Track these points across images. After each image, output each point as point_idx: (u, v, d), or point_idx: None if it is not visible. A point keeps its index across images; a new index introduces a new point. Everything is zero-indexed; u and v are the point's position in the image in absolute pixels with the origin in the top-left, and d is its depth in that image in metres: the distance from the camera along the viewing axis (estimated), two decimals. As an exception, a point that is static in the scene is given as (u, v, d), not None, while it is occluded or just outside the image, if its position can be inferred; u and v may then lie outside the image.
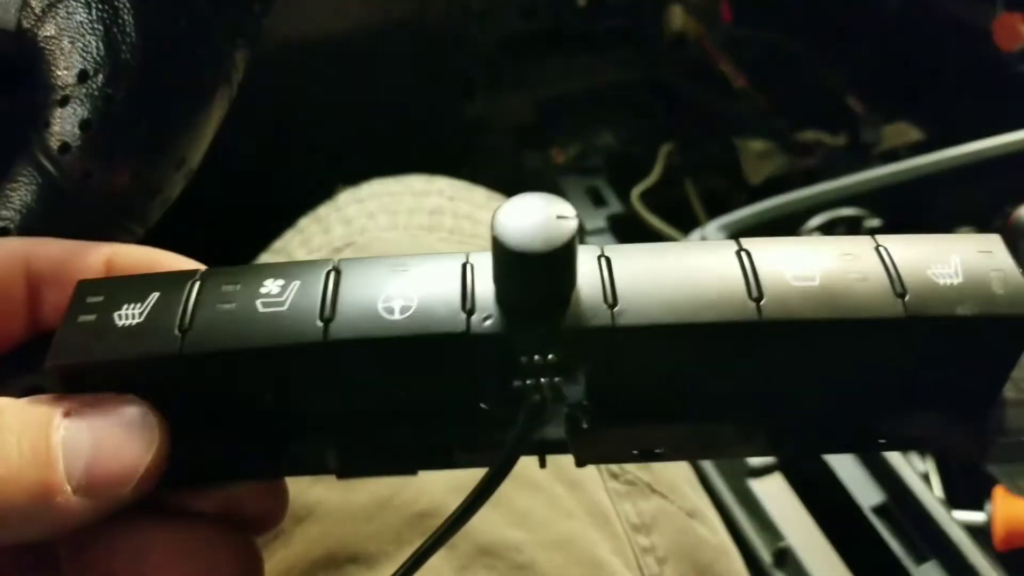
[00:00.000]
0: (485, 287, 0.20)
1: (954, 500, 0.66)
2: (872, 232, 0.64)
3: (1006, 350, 0.20)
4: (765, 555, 0.47)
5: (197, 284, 0.20)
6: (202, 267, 0.21)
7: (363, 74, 0.78)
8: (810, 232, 0.62)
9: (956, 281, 0.19)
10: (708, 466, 0.50)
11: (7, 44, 0.27)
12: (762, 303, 0.19)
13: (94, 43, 0.26)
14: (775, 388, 0.21)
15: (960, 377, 0.20)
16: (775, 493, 0.49)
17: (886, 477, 0.46)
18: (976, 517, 0.61)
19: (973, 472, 0.69)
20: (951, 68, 1.02)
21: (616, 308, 0.19)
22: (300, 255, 0.41)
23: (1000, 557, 0.53)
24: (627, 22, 1.00)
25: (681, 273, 0.19)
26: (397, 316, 0.19)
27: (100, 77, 0.26)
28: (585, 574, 0.31)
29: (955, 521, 0.44)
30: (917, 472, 0.68)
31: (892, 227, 0.64)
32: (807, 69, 1.03)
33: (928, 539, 0.44)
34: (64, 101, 0.26)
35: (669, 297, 0.19)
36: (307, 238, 0.42)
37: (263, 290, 0.20)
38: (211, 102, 0.28)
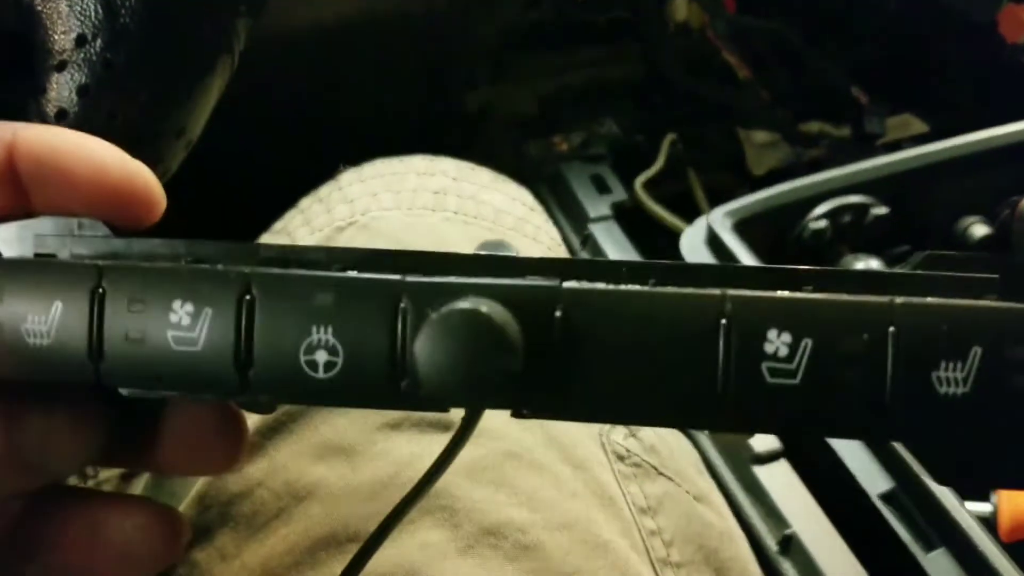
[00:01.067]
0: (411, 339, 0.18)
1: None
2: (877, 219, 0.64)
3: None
4: (771, 542, 0.47)
5: (100, 300, 0.19)
6: (99, 230, 0.20)
7: (366, 62, 0.78)
8: (816, 220, 0.61)
9: (960, 391, 0.17)
10: (712, 452, 0.50)
11: (5, 9, 0.26)
12: (723, 404, 0.18)
13: (92, 6, 0.25)
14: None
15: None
16: (781, 480, 0.48)
17: (893, 464, 0.46)
18: (982, 508, 0.60)
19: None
20: (956, 60, 1.02)
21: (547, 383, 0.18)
22: (302, 234, 0.41)
23: (1006, 549, 0.53)
24: (629, 13, 0.99)
25: (641, 340, 0.18)
26: (321, 374, 0.18)
27: (99, 42, 0.25)
28: (591, 555, 0.31)
29: (964, 509, 0.43)
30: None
31: (898, 216, 0.64)
32: (811, 60, 1.02)
33: (936, 527, 0.44)
34: (61, 66, 0.25)
35: (627, 382, 0.18)
36: (309, 217, 0.42)
37: (173, 318, 0.18)
38: (212, 70, 0.28)
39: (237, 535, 0.32)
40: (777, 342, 0.17)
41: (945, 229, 0.66)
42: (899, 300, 0.18)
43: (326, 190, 0.43)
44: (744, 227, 0.60)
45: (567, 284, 0.18)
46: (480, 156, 0.67)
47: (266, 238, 0.43)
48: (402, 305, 0.18)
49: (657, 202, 0.85)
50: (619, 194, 0.72)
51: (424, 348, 0.17)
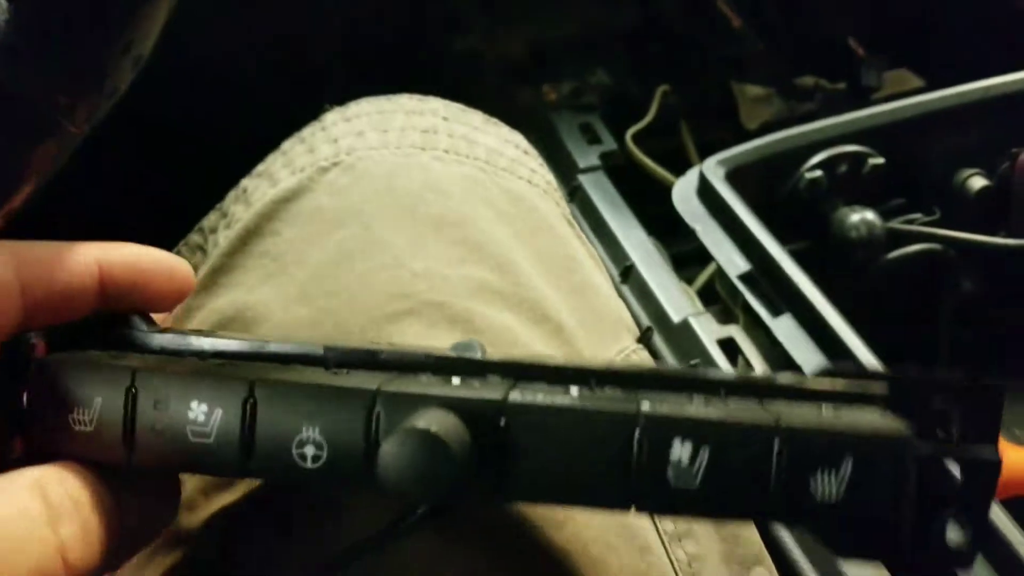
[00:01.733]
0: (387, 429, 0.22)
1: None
2: (874, 169, 0.62)
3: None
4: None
5: (132, 397, 0.23)
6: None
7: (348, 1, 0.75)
8: (811, 170, 0.59)
9: (833, 496, 0.20)
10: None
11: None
12: (634, 507, 0.21)
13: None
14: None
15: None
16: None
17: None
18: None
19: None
20: (956, 12, 1.00)
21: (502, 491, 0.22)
22: (283, 176, 0.39)
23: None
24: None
25: (571, 447, 0.21)
26: (309, 465, 0.22)
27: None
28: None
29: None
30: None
31: (895, 167, 0.62)
32: (807, 11, 1.00)
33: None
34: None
35: (559, 478, 0.22)
36: (290, 159, 0.40)
37: (191, 415, 0.23)
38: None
39: None
40: (681, 450, 0.21)
41: (943, 181, 0.64)
42: (784, 419, 0.21)
43: (309, 131, 0.41)
44: (737, 177, 0.58)
45: (512, 397, 0.22)
46: (466, 102, 0.65)
47: (247, 182, 0.41)
48: (376, 410, 0.22)
49: (648, 154, 0.83)
50: (609, 144, 0.70)
51: (388, 454, 0.20)
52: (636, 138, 0.82)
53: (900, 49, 1.01)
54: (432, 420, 0.20)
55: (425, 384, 0.22)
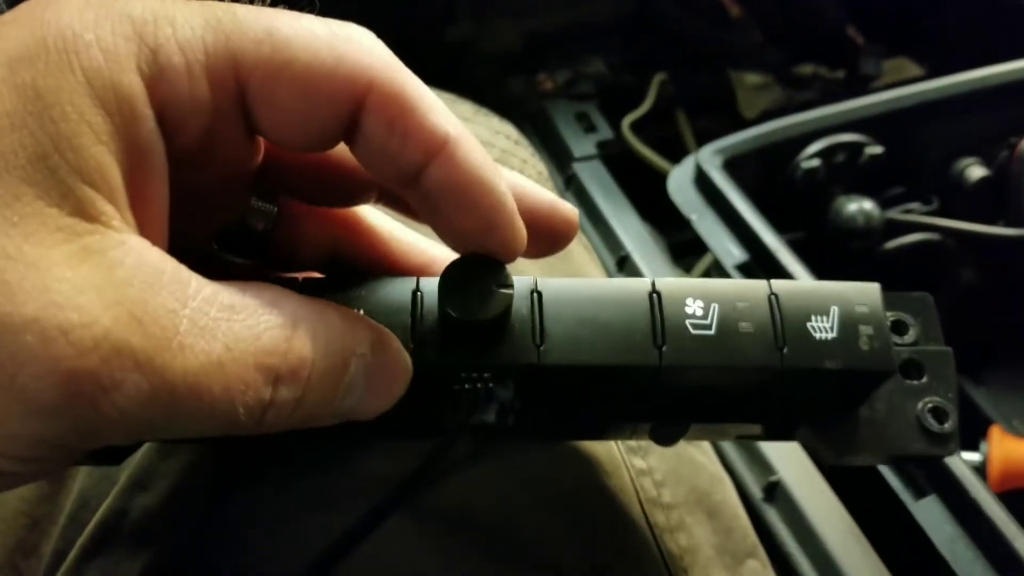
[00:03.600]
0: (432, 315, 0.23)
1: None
2: (872, 159, 0.61)
3: (864, 389, 0.25)
4: (755, 489, 0.45)
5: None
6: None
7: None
8: (809, 159, 0.59)
9: (830, 336, 0.24)
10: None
11: None
12: (664, 349, 0.23)
13: None
14: (676, 409, 0.26)
15: (826, 403, 0.26)
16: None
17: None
18: (971, 457, 0.59)
19: (967, 409, 0.68)
20: (955, 1, 0.99)
21: (542, 347, 0.23)
22: None
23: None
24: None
25: (600, 315, 0.23)
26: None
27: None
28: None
29: (958, 455, 0.42)
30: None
31: (893, 156, 0.61)
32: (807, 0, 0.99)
33: (927, 473, 0.42)
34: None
35: (588, 340, 0.23)
36: None
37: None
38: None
39: None
40: (694, 306, 0.24)
41: (941, 170, 0.64)
42: (774, 285, 0.24)
43: None
44: (734, 166, 0.57)
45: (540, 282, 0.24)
46: (460, 91, 0.64)
47: None
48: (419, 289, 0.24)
49: (645, 143, 0.82)
50: (605, 133, 0.70)
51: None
52: (633, 127, 0.81)
53: (899, 37, 1.00)
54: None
55: None
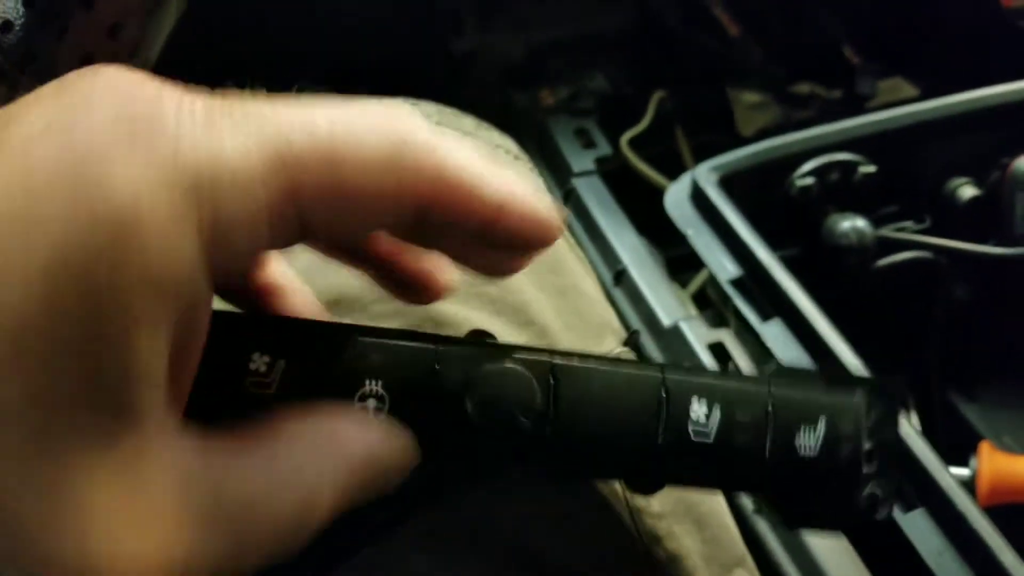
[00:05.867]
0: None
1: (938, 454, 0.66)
2: (866, 177, 0.62)
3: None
4: (746, 500, 0.46)
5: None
6: None
7: (349, 4, 0.75)
8: (803, 177, 0.60)
9: (812, 454, 0.25)
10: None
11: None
12: (661, 444, 0.24)
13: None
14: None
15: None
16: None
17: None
18: (961, 472, 0.60)
19: (957, 425, 0.69)
20: (951, 22, 1.00)
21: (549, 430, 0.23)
22: None
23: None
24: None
25: (609, 405, 0.24)
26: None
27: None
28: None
29: (946, 470, 0.43)
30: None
31: (886, 175, 0.62)
32: (805, 18, 1.00)
33: (916, 487, 0.43)
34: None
35: (593, 433, 0.24)
36: None
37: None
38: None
39: None
40: (699, 408, 0.24)
41: (934, 190, 0.65)
42: (774, 386, 0.25)
43: None
44: (730, 183, 0.58)
45: (556, 360, 0.24)
46: (464, 104, 0.65)
47: None
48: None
49: (643, 157, 0.84)
50: (604, 149, 0.71)
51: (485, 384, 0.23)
52: (632, 143, 0.82)
53: (895, 57, 1.02)
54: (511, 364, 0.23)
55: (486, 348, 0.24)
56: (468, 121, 0.45)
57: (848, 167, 0.60)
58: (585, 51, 0.89)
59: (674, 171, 0.87)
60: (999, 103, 0.64)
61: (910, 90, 1.02)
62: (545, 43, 0.89)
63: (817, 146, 0.61)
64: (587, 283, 0.41)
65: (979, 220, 0.64)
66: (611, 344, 0.39)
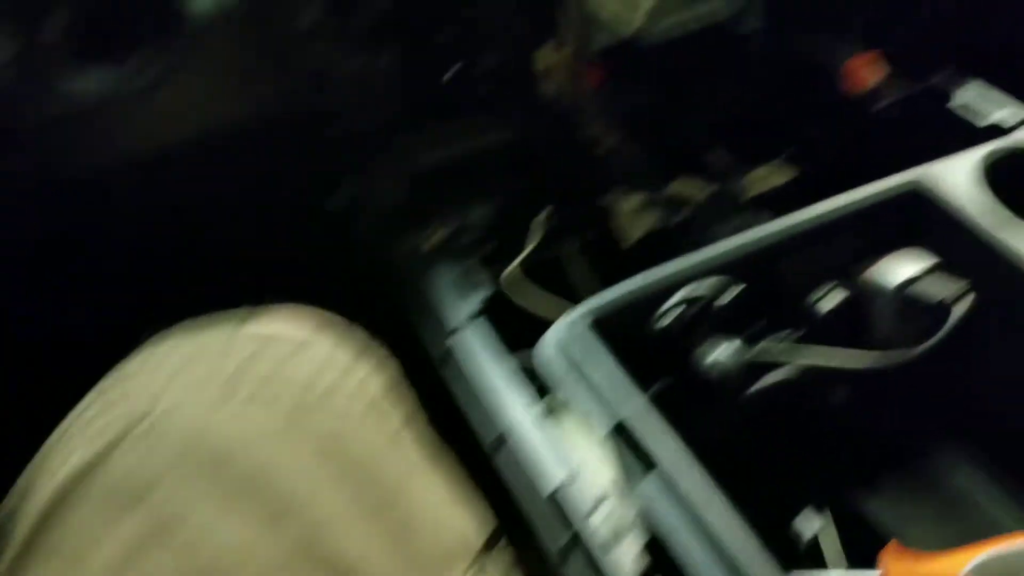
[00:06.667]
0: None
1: (850, 557, 0.66)
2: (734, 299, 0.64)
3: None
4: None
5: None
6: None
7: (223, 177, 0.75)
8: (671, 310, 0.61)
9: None
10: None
11: None
12: None
13: None
14: None
15: None
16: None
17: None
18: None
19: (865, 526, 0.69)
20: (813, 109, 1.05)
21: None
22: (78, 444, 0.37)
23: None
24: (497, 87, 0.99)
25: None
26: None
27: None
28: None
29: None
30: (813, 528, 0.68)
31: (754, 291, 0.64)
32: (677, 122, 1.04)
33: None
34: None
35: None
36: (87, 421, 0.39)
37: None
38: None
39: None
40: None
41: (803, 298, 0.67)
42: None
43: (109, 382, 0.40)
44: (603, 324, 0.59)
45: None
46: (348, 258, 0.65)
47: (44, 452, 0.39)
48: None
49: (536, 279, 0.84)
50: (485, 291, 0.71)
51: None
52: (522, 265, 0.83)
53: (768, 146, 1.06)
54: None
55: None
56: (302, 330, 0.44)
57: (715, 291, 0.62)
58: (467, 178, 0.90)
59: (567, 288, 0.89)
60: (855, 210, 0.67)
61: (783, 176, 1.06)
62: (425, 175, 0.89)
63: (684, 277, 0.62)
64: (430, 503, 0.40)
65: (849, 324, 0.66)
66: (457, 572, 0.38)
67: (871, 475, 0.70)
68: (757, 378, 0.62)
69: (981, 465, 0.70)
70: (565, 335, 0.58)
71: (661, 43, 0.98)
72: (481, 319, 0.67)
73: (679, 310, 0.61)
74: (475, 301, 0.69)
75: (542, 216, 0.90)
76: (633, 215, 0.97)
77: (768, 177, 1.03)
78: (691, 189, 0.98)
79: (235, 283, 0.60)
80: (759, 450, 0.59)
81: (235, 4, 0.67)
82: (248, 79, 0.70)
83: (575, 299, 0.91)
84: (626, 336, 0.61)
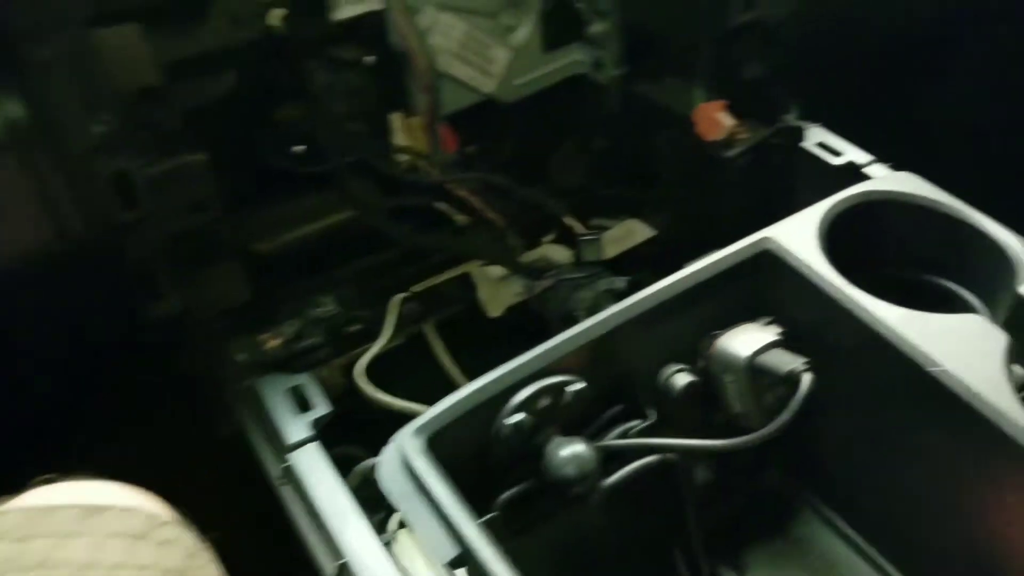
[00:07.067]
0: None
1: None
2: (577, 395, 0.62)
3: None
4: None
5: None
6: None
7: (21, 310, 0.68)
8: (511, 415, 0.58)
9: None
10: None
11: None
12: None
13: None
14: None
15: None
16: None
17: None
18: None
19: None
20: (668, 160, 1.05)
21: None
22: None
23: None
24: (348, 161, 0.95)
25: None
26: None
27: None
28: None
29: None
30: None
31: (599, 381, 0.62)
32: (538, 183, 1.02)
33: None
34: None
35: None
36: None
37: None
38: None
39: None
40: None
41: (651, 381, 0.65)
42: None
43: None
44: (439, 441, 0.56)
45: None
46: (173, 371, 0.59)
47: None
48: None
49: (398, 370, 0.81)
50: (321, 409, 0.66)
51: None
52: (375, 361, 0.79)
53: (626, 203, 1.05)
54: None
55: None
56: (70, 512, 0.39)
57: (556, 390, 0.59)
58: (310, 266, 0.85)
59: (429, 379, 0.85)
60: (691, 284, 0.65)
61: (646, 231, 1.05)
62: (263, 266, 0.83)
63: (523, 376, 0.59)
64: None
65: (699, 403, 0.64)
66: None
67: (737, 548, 0.68)
68: (612, 471, 0.60)
69: (842, 526, 0.70)
70: (400, 456, 0.55)
71: (521, 100, 0.96)
72: (316, 444, 0.63)
73: (518, 417, 0.58)
74: (311, 417, 0.65)
75: (397, 299, 0.86)
76: (496, 286, 0.94)
77: (633, 232, 1.02)
78: (554, 253, 0.97)
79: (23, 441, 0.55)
80: (622, 541, 0.57)
81: (25, 126, 0.62)
82: (46, 201, 0.65)
83: (442, 383, 0.89)
84: (469, 446, 0.58)
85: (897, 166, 0.80)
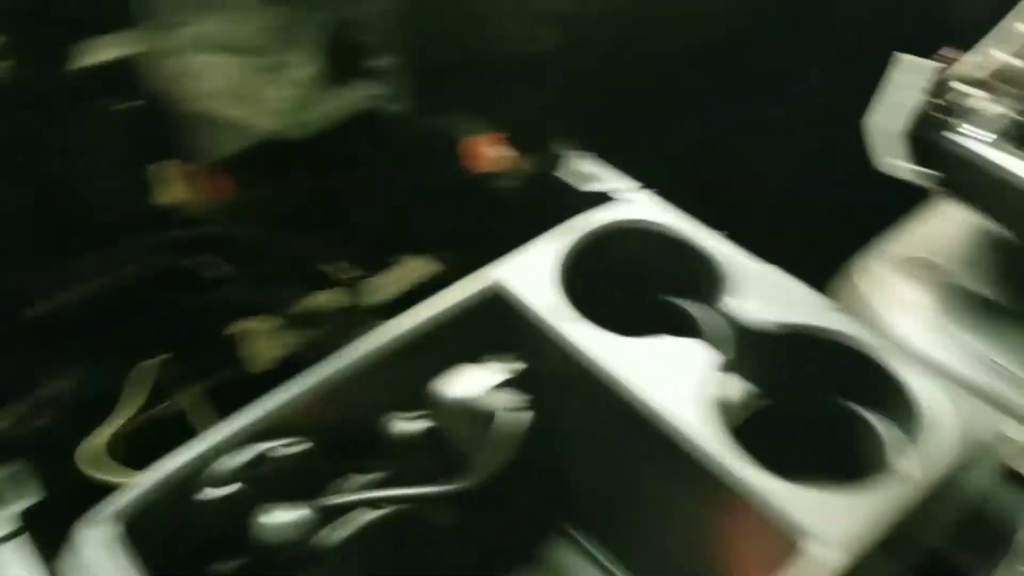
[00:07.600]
0: None
1: None
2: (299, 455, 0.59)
3: None
4: None
5: None
6: None
7: None
8: (221, 486, 0.55)
9: None
10: None
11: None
12: None
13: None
14: None
15: None
16: None
17: None
18: None
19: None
20: (448, 192, 1.04)
21: None
22: None
23: None
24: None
25: None
26: None
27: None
28: None
29: None
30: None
31: (325, 441, 0.60)
32: (313, 227, 1.00)
33: None
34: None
35: None
36: None
37: None
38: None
39: None
40: None
41: (379, 431, 0.63)
42: None
43: None
44: (144, 523, 0.52)
45: None
46: None
47: None
48: None
49: (158, 443, 0.76)
50: (28, 501, 0.61)
51: None
52: (121, 437, 0.75)
53: (404, 242, 1.04)
54: None
55: None
56: None
57: (261, 455, 0.57)
58: (43, 341, 0.79)
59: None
60: (430, 327, 0.64)
61: (432, 266, 1.04)
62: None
63: (236, 441, 0.57)
64: None
65: (431, 448, 0.63)
66: None
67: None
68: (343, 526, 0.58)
69: (594, 551, 0.71)
70: (88, 552, 0.51)
71: (314, 137, 0.94)
72: (23, 536, 0.58)
73: (230, 488, 0.55)
74: (18, 509, 0.60)
75: (147, 365, 0.82)
76: (264, 340, 0.91)
77: (418, 268, 1.01)
78: (324, 301, 0.94)
79: None
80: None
81: None
82: None
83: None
84: (175, 526, 0.55)
85: (664, 191, 0.81)
